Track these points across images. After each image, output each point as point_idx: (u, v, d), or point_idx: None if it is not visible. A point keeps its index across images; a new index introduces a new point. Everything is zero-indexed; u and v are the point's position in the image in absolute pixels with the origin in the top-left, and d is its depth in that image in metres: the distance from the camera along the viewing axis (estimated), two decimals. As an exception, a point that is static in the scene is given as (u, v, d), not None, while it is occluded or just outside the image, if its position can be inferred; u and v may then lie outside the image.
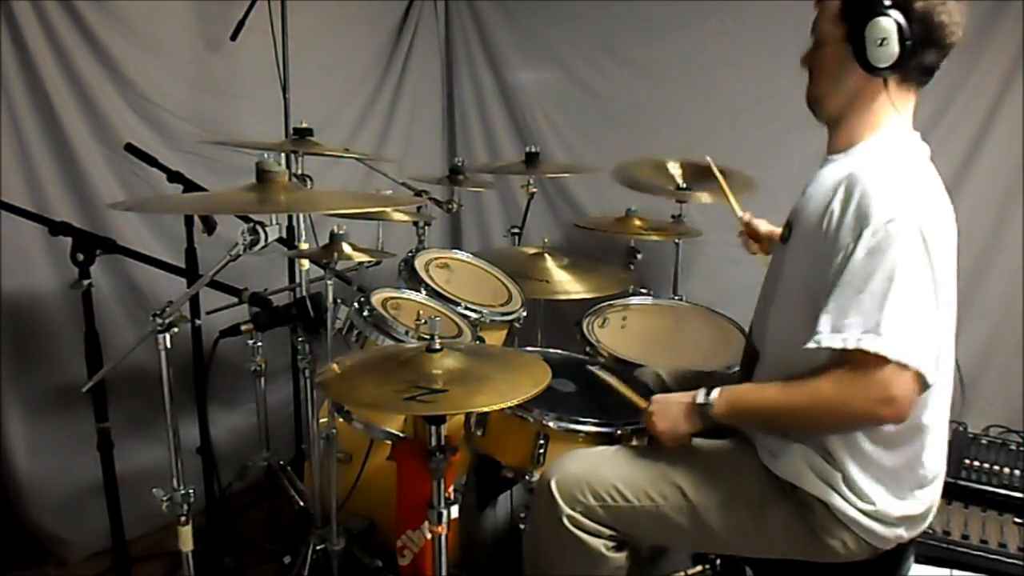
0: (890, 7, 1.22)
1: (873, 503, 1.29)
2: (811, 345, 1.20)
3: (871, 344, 1.14)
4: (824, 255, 1.23)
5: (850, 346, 1.15)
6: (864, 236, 1.17)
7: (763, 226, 1.90)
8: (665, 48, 2.99)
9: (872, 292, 1.15)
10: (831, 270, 1.21)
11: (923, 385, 1.17)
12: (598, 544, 1.43)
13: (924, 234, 1.16)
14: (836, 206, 1.23)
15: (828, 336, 1.18)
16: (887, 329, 1.13)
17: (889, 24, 1.22)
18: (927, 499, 1.35)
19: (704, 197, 2.50)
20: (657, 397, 1.48)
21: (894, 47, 1.23)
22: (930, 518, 1.39)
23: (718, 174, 2.04)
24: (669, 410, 1.43)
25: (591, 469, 1.46)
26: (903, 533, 1.34)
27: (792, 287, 1.36)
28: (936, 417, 1.32)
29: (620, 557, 1.46)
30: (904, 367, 1.14)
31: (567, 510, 1.42)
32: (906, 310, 1.14)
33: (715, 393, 1.36)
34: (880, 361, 1.14)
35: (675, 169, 2.59)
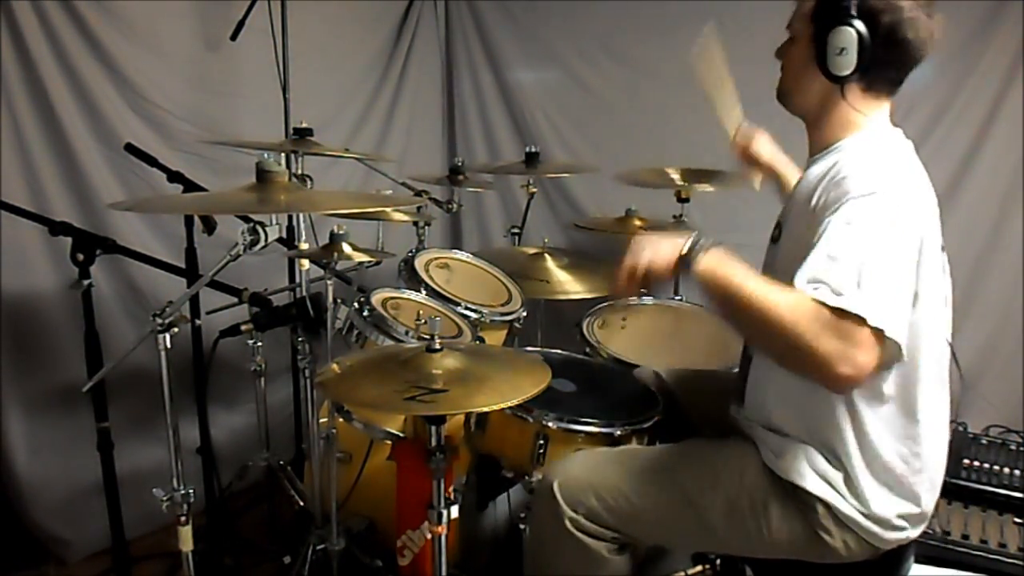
0: (855, 17, 1.22)
1: (874, 504, 1.29)
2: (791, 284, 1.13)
3: (853, 304, 1.08)
4: (809, 238, 1.21)
5: (831, 303, 1.08)
6: (842, 209, 1.16)
7: (765, 147, 1.75)
8: (665, 48, 2.98)
9: (852, 258, 1.12)
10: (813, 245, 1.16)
11: (893, 358, 1.15)
12: (600, 547, 1.43)
13: (902, 210, 1.16)
14: (819, 193, 1.23)
15: (813, 286, 1.11)
16: (866, 293, 1.09)
17: (851, 34, 1.22)
18: (927, 500, 1.35)
19: (706, 188, 2.50)
20: (647, 236, 1.31)
21: (852, 58, 1.23)
22: (930, 518, 1.39)
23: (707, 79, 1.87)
24: (661, 243, 1.26)
25: (594, 471, 1.46)
26: (904, 534, 1.33)
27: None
28: (936, 415, 1.32)
29: (622, 559, 1.46)
30: (878, 334, 1.08)
31: (569, 513, 1.42)
32: (884, 282, 1.11)
33: (704, 251, 1.22)
34: (858, 321, 1.08)
35: (674, 175, 2.59)
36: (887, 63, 1.27)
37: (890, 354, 1.14)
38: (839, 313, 1.08)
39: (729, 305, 1.20)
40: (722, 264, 1.19)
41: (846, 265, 1.11)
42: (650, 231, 2.50)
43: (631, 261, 1.26)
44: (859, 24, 1.22)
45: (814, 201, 1.24)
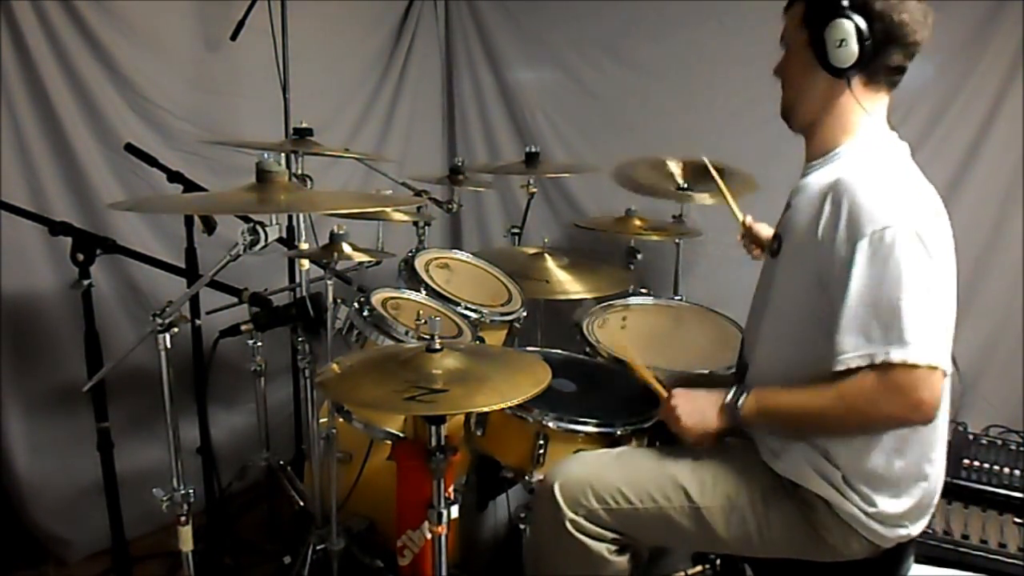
0: (848, 8, 1.23)
1: (874, 502, 1.30)
2: (838, 368, 1.20)
3: (899, 355, 1.15)
4: (819, 267, 1.24)
5: (878, 360, 1.16)
6: (861, 248, 1.17)
7: (764, 230, 1.90)
8: (665, 48, 2.99)
9: (886, 302, 1.16)
10: (832, 284, 1.21)
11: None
12: (601, 548, 1.43)
13: (920, 235, 1.17)
14: (825, 217, 1.24)
15: (853, 356, 1.18)
16: (910, 336, 1.15)
17: (848, 25, 1.24)
18: (927, 498, 1.35)
19: (705, 199, 2.50)
20: (679, 391, 1.45)
21: (853, 47, 1.24)
22: (930, 517, 1.39)
23: (716, 177, 2.04)
24: (697, 404, 1.41)
25: (594, 472, 1.46)
26: (904, 531, 1.34)
27: (784, 301, 1.36)
28: (937, 416, 1.32)
29: (623, 560, 1.46)
30: (932, 369, 1.15)
31: (570, 514, 1.42)
32: (921, 313, 1.15)
33: (744, 395, 1.35)
34: (908, 368, 1.15)
35: (675, 168, 2.59)
36: (886, 48, 1.27)
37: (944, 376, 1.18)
38: (886, 368, 1.16)
39: (789, 427, 1.35)
40: (762, 399, 1.33)
41: (886, 312, 1.16)
42: (650, 232, 2.55)
43: (678, 431, 1.42)
44: (853, 14, 1.23)
45: (818, 224, 1.25)
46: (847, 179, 1.23)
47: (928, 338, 1.15)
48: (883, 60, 1.29)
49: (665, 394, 1.47)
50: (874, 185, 1.22)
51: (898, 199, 1.21)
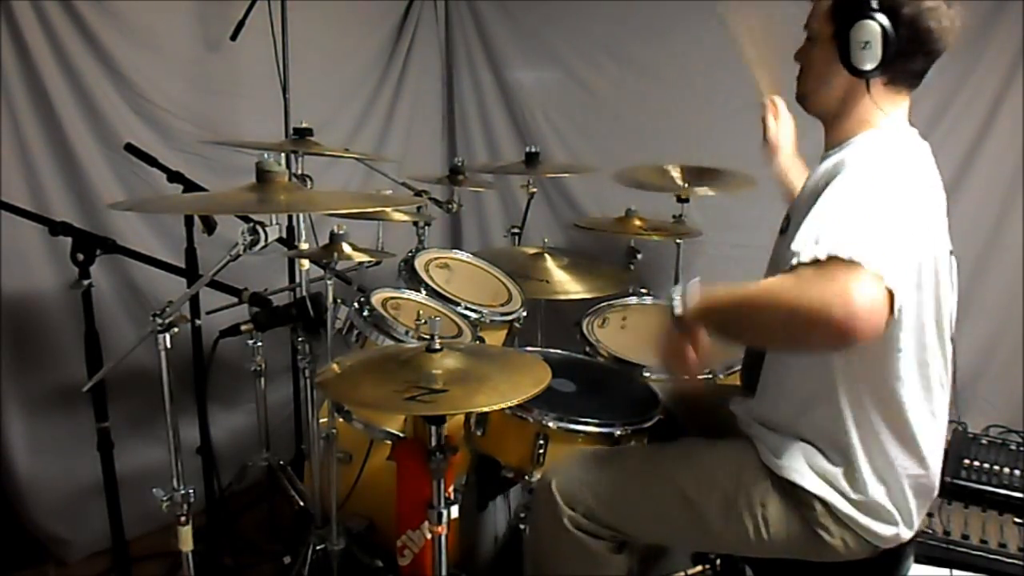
0: (877, 10, 1.22)
1: (871, 502, 1.29)
2: (785, 269, 1.10)
3: (843, 250, 1.02)
4: None
5: (821, 255, 1.04)
6: (838, 178, 1.16)
7: (785, 128, 1.86)
8: (665, 48, 2.98)
9: (845, 211, 1.09)
10: None
11: (891, 306, 1.04)
12: (599, 546, 1.43)
13: (900, 177, 1.16)
14: (824, 182, 1.22)
15: (801, 255, 1.07)
16: (858, 238, 1.04)
17: (874, 27, 1.22)
18: (925, 499, 1.35)
19: (707, 192, 2.50)
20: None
21: (877, 51, 1.23)
22: (927, 517, 1.39)
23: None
24: (658, 338, 1.31)
25: (592, 471, 1.46)
26: (902, 531, 1.33)
27: None
28: (936, 411, 1.32)
29: (621, 558, 1.46)
30: (877, 278, 1.01)
31: (568, 512, 1.42)
32: (879, 228, 1.06)
33: (678, 298, 1.25)
34: (850, 265, 1.01)
35: (674, 172, 2.59)
36: (911, 54, 1.26)
37: (892, 298, 1.04)
38: (819, 264, 1.04)
39: (727, 321, 1.23)
40: (704, 294, 1.22)
41: (832, 220, 1.08)
42: (650, 232, 2.55)
43: (664, 365, 1.31)
44: (881, 17, 1.22)
45: (820, 192, 1.23)
46: (850, 157, 1.24)
47: (878, 250, 1.02)
48: (906, 64, 1.28)
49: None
50: (868, 149, 1.23)
51: (885, 155, 1.21)
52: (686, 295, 1.23)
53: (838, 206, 1.12)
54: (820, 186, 1.21)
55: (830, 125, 1.39)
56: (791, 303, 1.05)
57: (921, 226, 1.16)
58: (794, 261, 1.08)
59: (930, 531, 1.77)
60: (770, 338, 1.22)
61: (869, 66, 1.25)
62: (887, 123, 1.32)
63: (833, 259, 1.02)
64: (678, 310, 1.23)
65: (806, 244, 1.07)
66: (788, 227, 1.41)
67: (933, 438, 1.33)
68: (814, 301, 1.01)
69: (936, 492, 1.37)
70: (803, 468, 1.32)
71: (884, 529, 1.31)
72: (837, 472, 1.30)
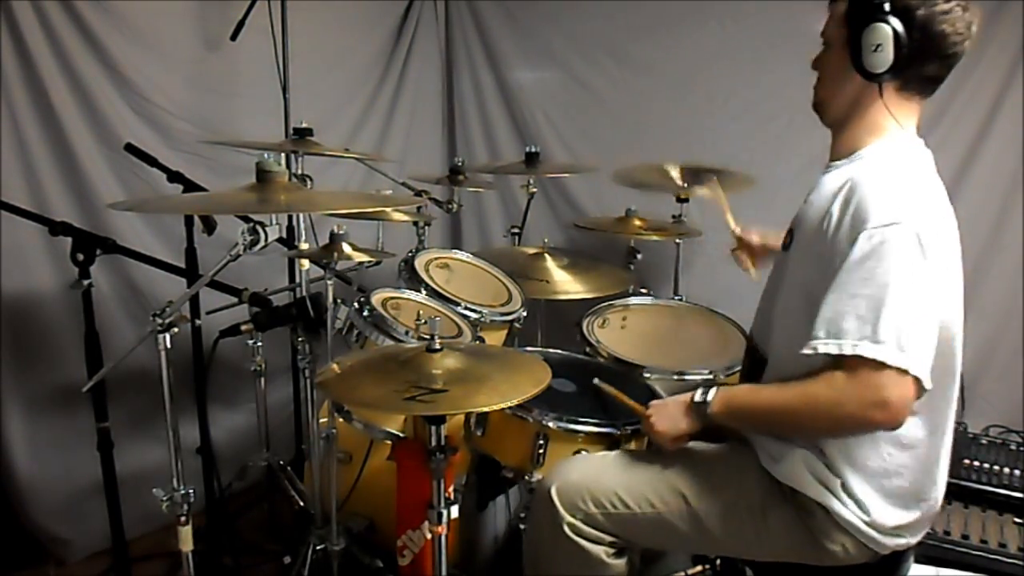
0: (889, 13, 1.21)
1: (873, 512, 1.28)
2: (807, 351, 1.19)
3: (868, 350, 1.13)
4: (823, 260, 1.23)
5: (847, 352, 1.15)
6: (860, 240, 1.17)
7: (755, 237, 1.90)
8: (665, 48, 2.98)
9: (868, 297, 1.15)
10: (830, 277, 1.20)
11: (920, 391, 1.15)
12: (598, 551, 1.43)
13: (921, 239, 1.16)
14: (835, 211, 1.23)
15: (824, 342, 1.17)
16: (884, 335, 1.13)
17: (886, 30, 1.21)
18: (928, 512, 1.35)
19: (705, 192, 2.50)
20: (655, 401, 1.49)
21: (889, 54, 1.22)
22: (929, 526, 1.39)
23: (719, 189, 2.05)
24: (667, 409, 1.43)
25: (591, 476, 1.46)
26: (903, 541, 1.33)
27: (793, 294, 1.35)
28: (939, 428, 1.31)
29: (620, 563, 1.46)
30: (903, 372, 1.13)
31: (567, 517, 1.42)
32: (903, 315, 1.13)
33: (712, 392, 1.36)
34: (877, 366, 1.13)
35: (674, 172, 2.59)
36: (924, 58, 1.25)
37: (920, 385, 1.15)
38: (858, 360, 1.14)
39: (757, 424, 1.37)
40: (730, 395, 1.35)
41: (865, 306, 1.14)
42: (650, 232, 2.55)
43: (656, 438, 1.45)
44: (893, 20, 1.21)
45: (827, 219, 1.24)
46: (860, 178, 1.23)
47: (904, 342, 1.12)
48: (918, 69, 1.27)
49: (644, 410, 1.49)
50: (883, 184, 1.21)
51: (906, 199, 1.19)
52: (709, 392, 1.36)
53: (858, 290, 1.16)
54: (832, 220, 1.23)
55: (840, 133, 1.38)
56: (831, 414, 1.20)
57: (940, 297, 1.20)
58: (818, 347, 1.18)
59: (930, 531, 1.76)
60: (806, 435, 1.32)
61: (880, 69, 1.24)
62: (897, 133, 1.31)
63: (858, 358, 1.13)
64: (711, 409, 1.34)
65: (829, 332, 1.17)
66: (791, 244, 1.40)
67: (936, 448, 1.32)
68: (856, 412, 1.17)
69: (939, 503, 1.36)
70: (804, 475, 1.31)
71: (883, 538, 1.30)
72: (837, 481, 1.29)
